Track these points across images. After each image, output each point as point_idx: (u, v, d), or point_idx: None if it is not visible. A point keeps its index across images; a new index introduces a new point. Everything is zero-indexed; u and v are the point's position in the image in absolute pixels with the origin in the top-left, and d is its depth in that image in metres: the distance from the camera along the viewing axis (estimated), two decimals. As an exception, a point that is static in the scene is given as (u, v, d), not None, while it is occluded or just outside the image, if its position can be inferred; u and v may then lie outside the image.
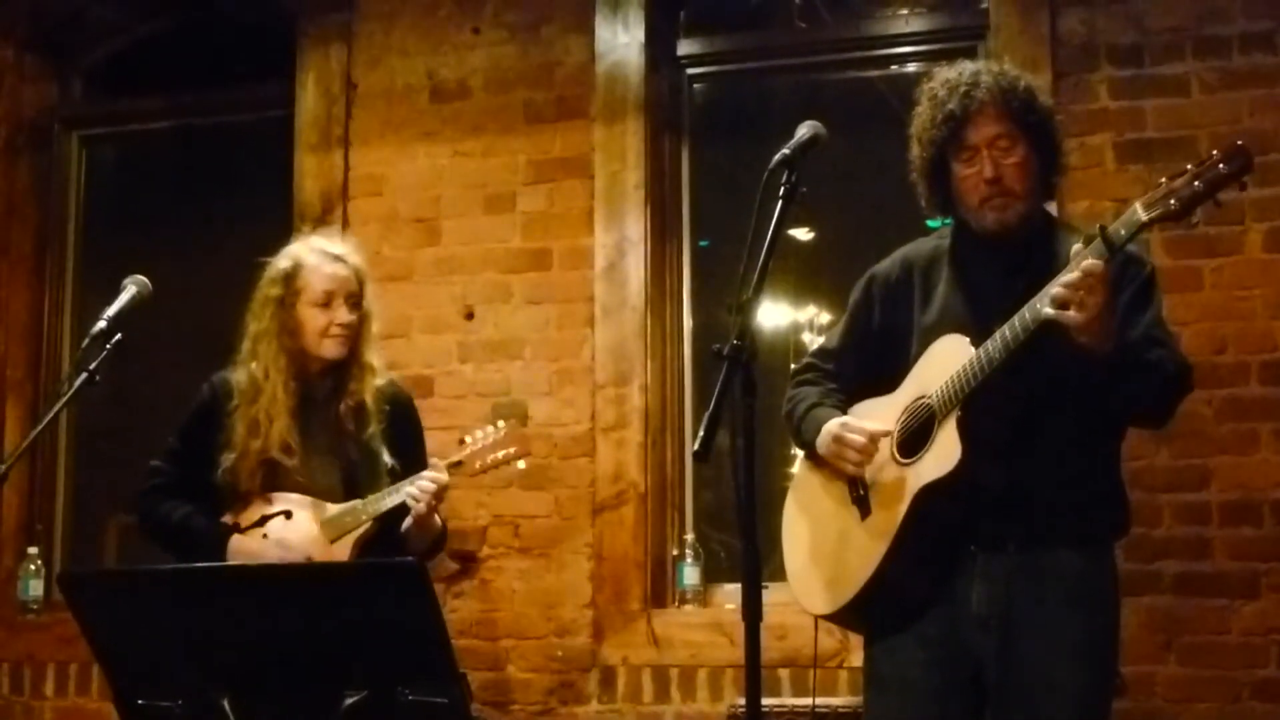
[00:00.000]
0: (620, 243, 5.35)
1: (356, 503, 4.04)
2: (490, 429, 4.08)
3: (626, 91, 5.44)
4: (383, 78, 5.70)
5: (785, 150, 3.14)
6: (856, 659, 4.65)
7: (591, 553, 5.24)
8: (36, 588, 5.73)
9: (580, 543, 5.26)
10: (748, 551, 2.90)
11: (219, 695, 3.15)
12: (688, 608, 5.22)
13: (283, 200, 5.72)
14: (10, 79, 6.17)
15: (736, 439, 2.92)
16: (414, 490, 3.96)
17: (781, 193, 3.09)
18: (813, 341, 5.40)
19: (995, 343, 3.19)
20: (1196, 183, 2.97)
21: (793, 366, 3.79)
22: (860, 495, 3.42)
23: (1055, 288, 3.07)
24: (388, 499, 4.00)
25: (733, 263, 3.07)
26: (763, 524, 3.00)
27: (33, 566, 5.75)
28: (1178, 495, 4.73)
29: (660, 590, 5.27)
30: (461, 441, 4.15)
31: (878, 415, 3.45)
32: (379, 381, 4.17)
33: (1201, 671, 4.65)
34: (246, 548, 4.03)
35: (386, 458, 4.09)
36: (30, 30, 6.20)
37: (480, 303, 5.47)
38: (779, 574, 3.65)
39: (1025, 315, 3.14)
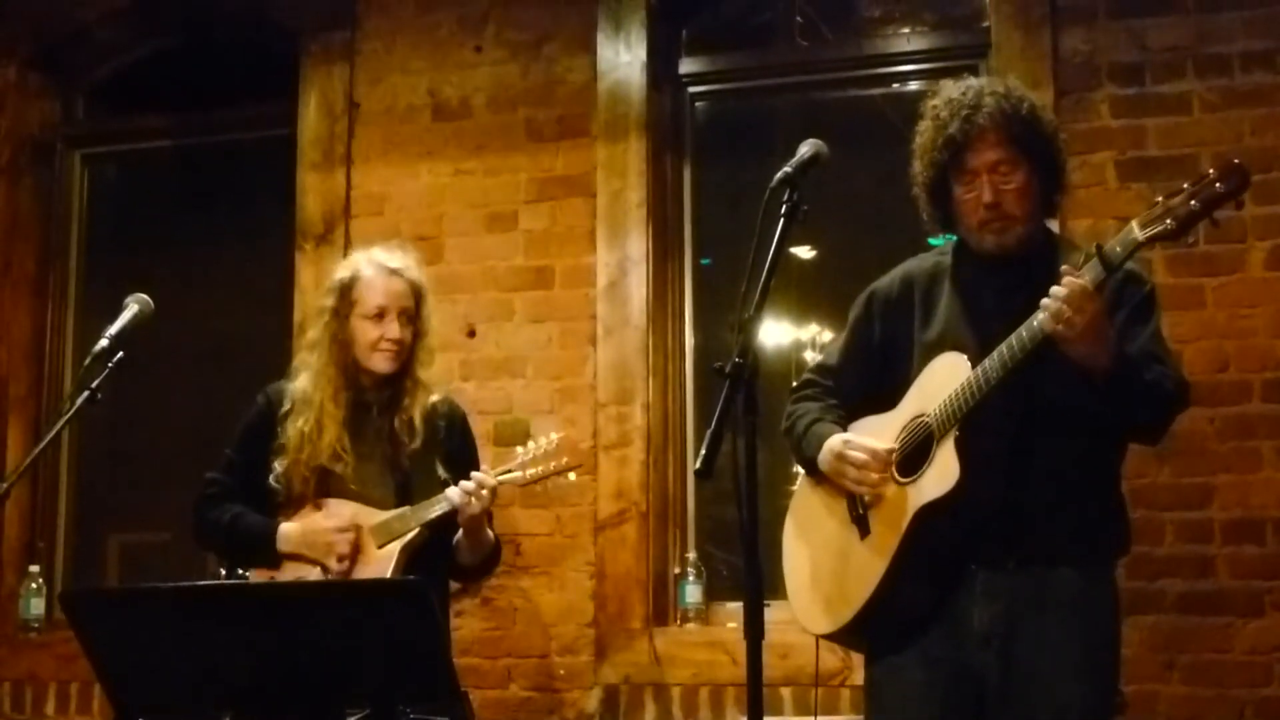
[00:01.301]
0: (622, 261, 5.35)
1: (406, 509, 4.05)
2: (543, 440, 4.10)
3: (628, 110, 5.44)
4: (385, 96, 5.71)
5: (787, 168, 3.14)
6: (859, 678, 4.63)
7: (593, 571, 5.24)
8: (38, 606, 5.72)
9: (582, 561, 5.26)
10: (750, 569, 2.90)
11: (221, 713, 3.16)
12: (690, 626, 5.21)
13: (285, 219, 5.73)
14: (13, 98, 6.18)
15: (738, 457, 2.91)
16: (461, 495, 3.97)
17: (783, 211, 3.10)
18: (814, 359, 5.40)
19: (993, 361, 3.20)
20: (1193, 202, 2.98)
21: (793, 383, 3.79)
22: (860, 514, 3.41)
23: (1049, 302, 3.08)
24: (437, 505, 4.01)
25: (734, 281, 3.09)
26: (765, 542, 3.00)
27: (34, 585, 5.74)
28: (1180, 513, 4.73)
29: (662, 608, 5.26)
30: (514, 451, 4.17)
31: (877, 433, 3.45)
32: (434, 397, 4.19)
33: (1204, 690, 4.64)
34: (298, 531, 4.06)
35: (440, 471, 4.10)
36: (33, 49, 6.21)
37: (482, 321, 5.47)
38: (781, 592, 3.65)
39: (1023, 334, 3.15)
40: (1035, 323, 3.12)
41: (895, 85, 5.58)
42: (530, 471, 4.07)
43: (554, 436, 4.10)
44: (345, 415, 4.11)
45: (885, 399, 3.50)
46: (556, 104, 5.53)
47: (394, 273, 4.18)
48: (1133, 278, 3.34)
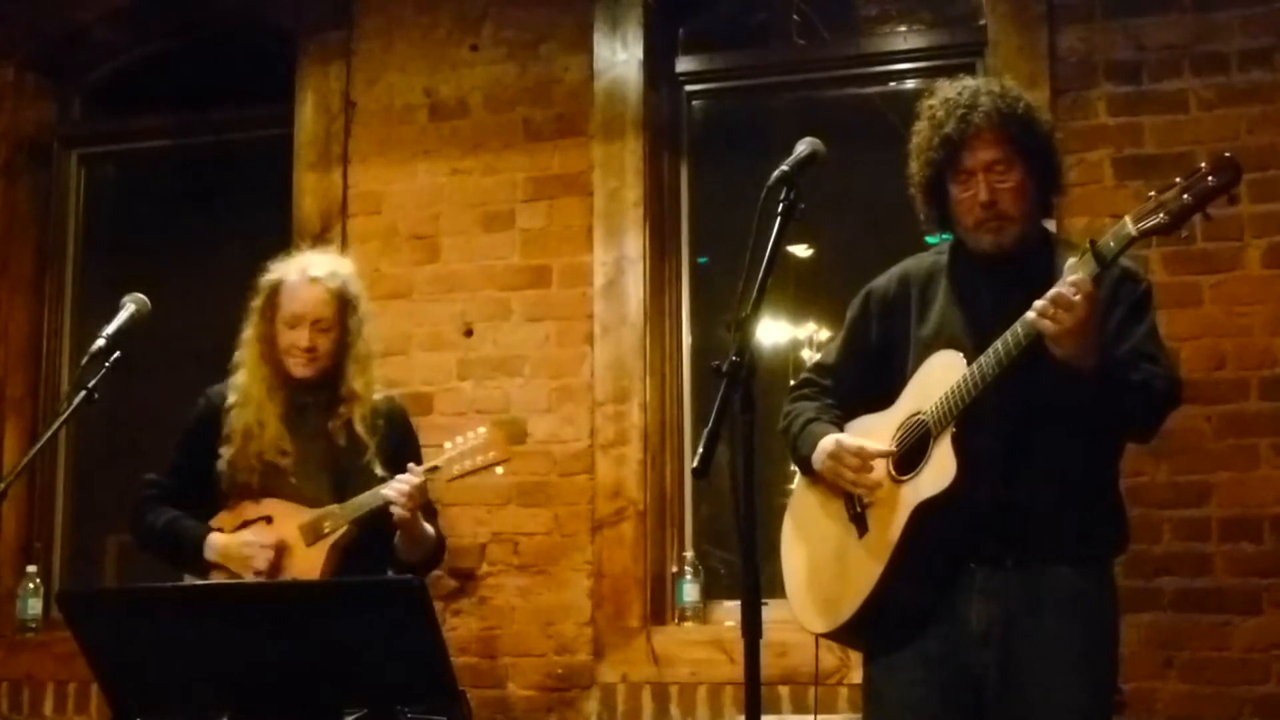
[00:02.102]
0: (619, 260, 5.35)
1: (335, 507, 4.07)
2: (471, 434, 4.09)
3: (625, 109, 5.44)
4: (381, 96, 5.71)
5: (784, 167, 3.14)
6: (857, 676, 4.63)
7: (591, 570, 5.24)
8: (35, 606, 5.72)
9: (580, 560, 5.26)
10: (747, 568, 2.89)
11: (218, 714, 3.16)
12: (687, 625, 5.21)
13: (282, 218, 5.72)
14: (10, 98, 6.17)
15: (736, 456, 2.91)
16: (389, 492, 3.98)
17: (780, 209, 3.10)
18: (812, 358, 5.40)
19: (989, 358, 3.20)
20: (1185, 195, 2.99)
21: (791, 382, 3.79)
22: (857, 512, 3.41)
23: (1040, 300, 3.09)
24: (365, 503, 4.02)
25: (732, 279, 3.07)
26: (762, 540, 3.00)
27: (31, 585, 5.74)
28: (1177, 511, 4.73)
29: (660, 607, 5.26)
30: (441, 446, 4.17)
31: (874, 431, 3.45)
32: (375, 397, 4.21)
33: (1202, 688, 4.64)
34: (224, 543, 4.09)
35: (379, 470, 4.11)
36: (30, 50, 6.21)
37: (479, 320, 5.47)
38: (779, 590, 3.65)
39: (1018, 329, 3.15)
40: (1029, 318, 3.13)
41: (892, 84, 5.58)
42: (457, 467, 4.07)
43: (481, 431, 4.10)
44: (282, 412, 4.15)
45: (883, 398, 3.50)
46: (553, 103, 5.53)
47: (314, 281, 4.20)
48: (1129, 275, 3.35)
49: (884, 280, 3.63)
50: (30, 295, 6.14)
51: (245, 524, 4.11)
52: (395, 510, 3.98)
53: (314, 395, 4.19)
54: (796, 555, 3.60)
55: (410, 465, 4.06)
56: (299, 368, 4.15)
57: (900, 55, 5.48)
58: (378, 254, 5.59)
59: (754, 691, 2.86)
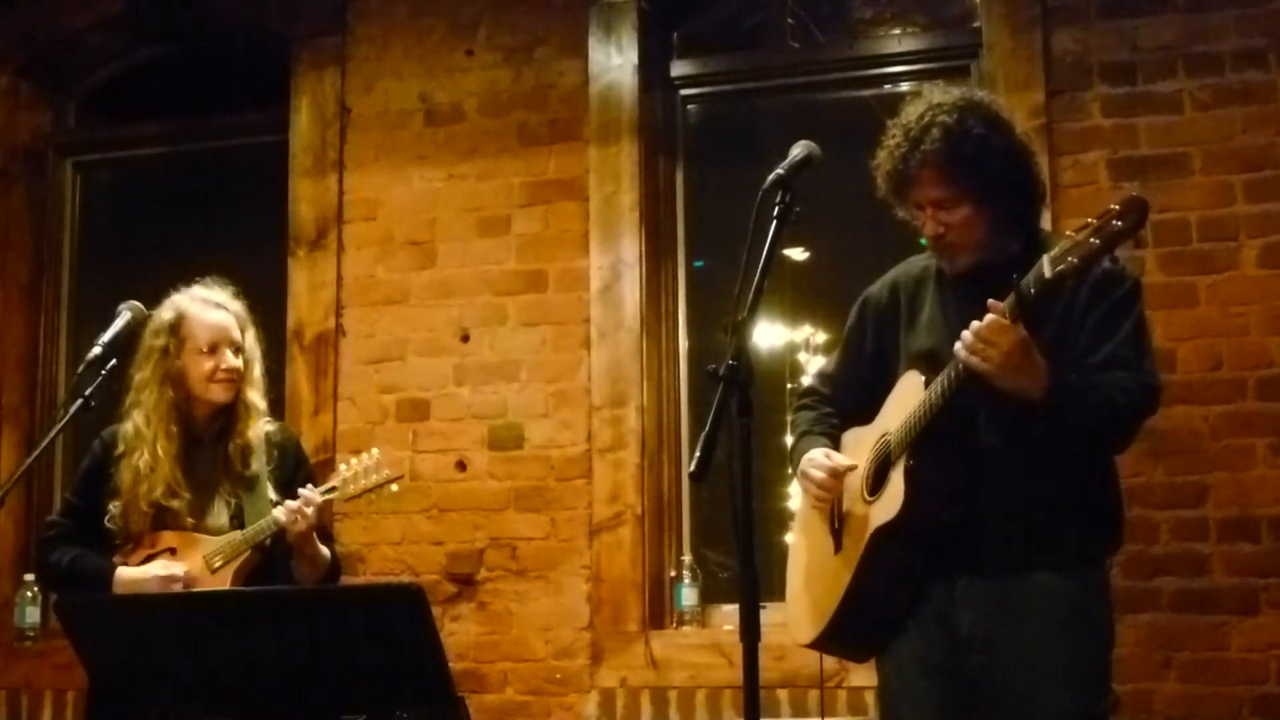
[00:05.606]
0: (615, 264, 5.35)
1: (237, 534, 4.08)
2: (365, 456, 4.14)
3: (620, 113, 5.44)
4: (377, 102, 5.71)
5: (779, 170, 3.14)
6: (856, 679, 4.66)
7: (589, 574, 5.24)
8: (33, 615, 5.72)
9: (578, 564, 5.26)
10: (745, 572, 2.89)
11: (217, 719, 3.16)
12: (686, 629, 5.21)
13: (277, 225, 5.73)
14: (4, 106, 6.17)
15: (733, 459, 2.91)
16: (285, 515, 4.00)
17: (776, 212, 3.10)
18: (809, 361, 5.41)
19: (936, 389, 3.21)
20: (1093, 239, 2.93)
21: (795, 387, 3.80)
22: (835, 528, 3.43)
23: (965, 333, 3.09)
24: (264, 527, 4.04)
25: (728, 283, 3.08)
26: (760, 544, 3.00)
27: (29, 594, 5.73)
28: (1175, 512, 4.73)
29: (658, 611, 5.26)
30: (335, 469, 4.22)
31: (860, 445, 3.48)
32: (267, 425, 4.24)
33: (1201, 688, 4.64)
34: (131, 576, 4.05)
35: (272, 494, 4.13)
36: (24, 57, 6.20)
37: (476, 325, 5.47)
38: (777, 594, 3.65)
39: (957, 362, 3.15)
40: (960, 355, 3.12)
41: (887, 86, 5.58)
42: (352, 487, 4.12)
43: (375, 452, 4.15)
44: (178, 450, 4.12)
45: (881, 406, 3.50)
46: (548, 108, 5.54)
47: (219, 306, 4.21)
48: (1110, 276, 3.28)
49: (878, 287, 3.64)
50: (26, 303, 6.13)
51: (150, 557, 4.10)
52: (291, 531, 4.00)
53: (209, 425, 4.20)
54: (796, 564, 3.64)
55: (309, 486, 4.09)
56: (222, 391, 4.15)
57: (895, 58, 5.49)
58: (374, 260, 5.59)
59: (753, 695, 2.87)
